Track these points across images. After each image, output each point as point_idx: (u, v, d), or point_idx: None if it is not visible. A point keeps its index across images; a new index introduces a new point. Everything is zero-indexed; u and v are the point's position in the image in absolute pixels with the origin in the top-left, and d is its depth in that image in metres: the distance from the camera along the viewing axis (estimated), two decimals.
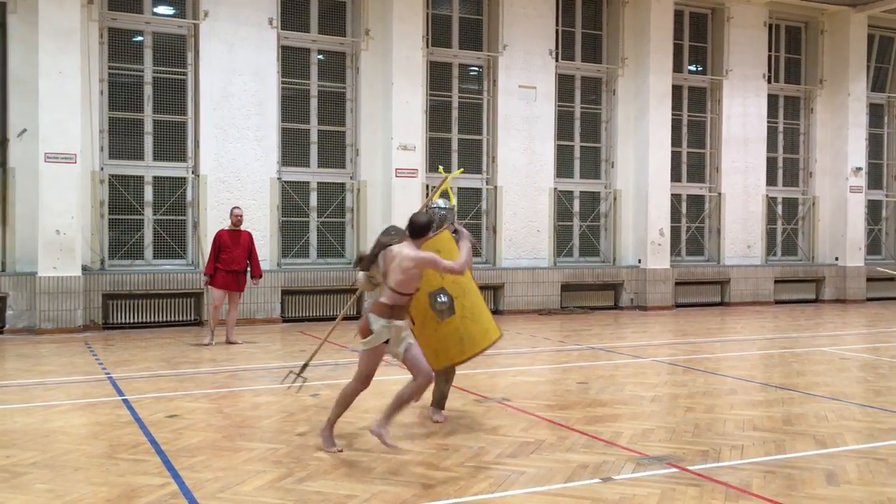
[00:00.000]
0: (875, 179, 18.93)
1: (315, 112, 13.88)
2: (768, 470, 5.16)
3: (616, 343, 11.29)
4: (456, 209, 6.78)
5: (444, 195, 6.73)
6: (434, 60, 14.55)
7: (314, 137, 13.89)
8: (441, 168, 8.30)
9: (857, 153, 17.93)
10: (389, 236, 5.60)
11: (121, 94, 12.67)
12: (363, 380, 5.46)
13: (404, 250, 5.33)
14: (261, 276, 11.09)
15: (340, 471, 5.07)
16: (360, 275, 5.86)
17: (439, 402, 6.44)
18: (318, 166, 13.90)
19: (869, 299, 17.95)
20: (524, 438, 5.90)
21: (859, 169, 17.89)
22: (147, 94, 12.77)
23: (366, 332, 5.31)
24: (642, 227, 15.76)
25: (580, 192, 15.96)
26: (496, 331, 6.42)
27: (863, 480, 4.97)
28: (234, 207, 11.06)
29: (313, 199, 13.83)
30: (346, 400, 5.51)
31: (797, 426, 6.37)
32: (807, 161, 18.23)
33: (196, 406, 6.99)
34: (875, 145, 18.88)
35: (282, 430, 6.12)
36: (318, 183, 13.88)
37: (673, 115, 16.11)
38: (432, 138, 14.55)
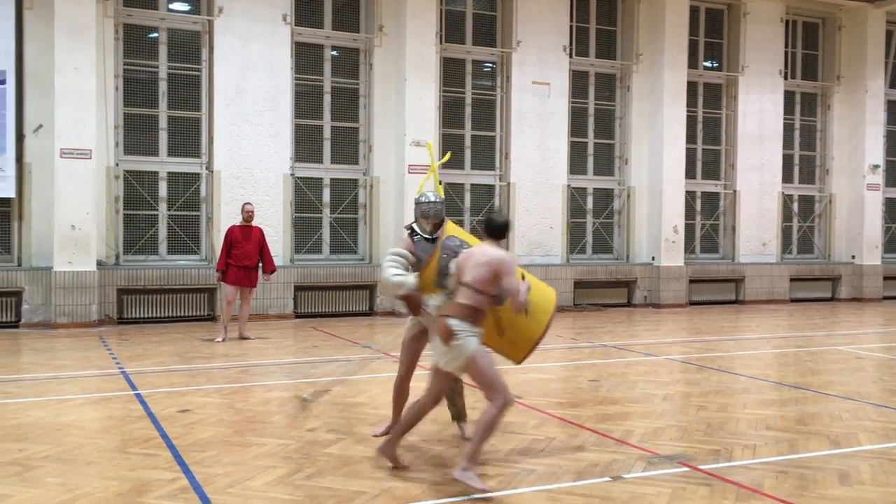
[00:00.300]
0: (893, 177, 18.72)
1: (328, 108, 13.89)
2: (780, 470, 5.11)
3: (629, 341, 11.24)
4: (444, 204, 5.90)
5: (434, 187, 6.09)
6: (447, 57, 14.53)
7: (327, 133, 13.90)
8: (430, 143, 6.96)
9: (875, 150, 17.76)
10: (457, 244, 5.29)
11: (136, 90, 12.72)
12: (502, 388, 4.75)
13: (486, 248, 4.99)
14: (273, 271, 11.10)
15: (350, 467, 5.07)
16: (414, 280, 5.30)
17: (461, 416, 5.85)
18: (332, 162, 13.92)
19: (886, 298, 17.79)
20: (534, 436, 5.88)
21: (877, 166, 17.72)
22: (162, 91, 12.82)
23: (448, 334, 4.79)
24: (656, 225, 15.68)
25: (594, 188, 15.89)
26: (552, 290, 5.64)
27: (876, 481, 4.92)
28: (246, 203, 11.09)
29: (326, 196, 13.85)
30: (493, 426, 4.78)
31: (811, 426, 6.32)
32: (823, 158, 18.08)
33: (208, 401, 7.02)
34: (893, 142, 18.68)
35: (292, 426, 6.13)
36: (331, 179, 13.89)
37: (688, 111, 16.00)
38: (445, 135, 14.53)
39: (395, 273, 5.34)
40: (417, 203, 5.71)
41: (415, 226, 5.68)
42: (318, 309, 13.41)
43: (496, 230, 5.08)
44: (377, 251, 13.92)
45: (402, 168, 13.59)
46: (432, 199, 5.68)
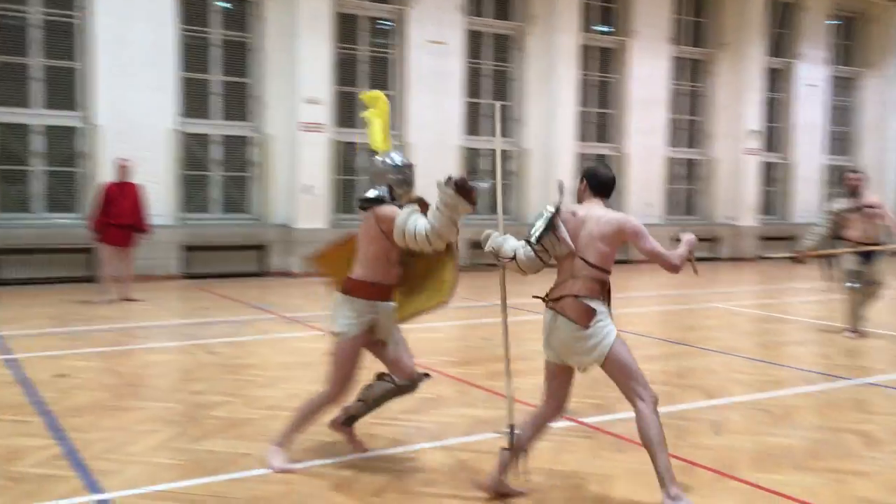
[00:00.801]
0: (771, 142, 19.64)
1: (218, 62, 13.38)
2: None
3: (521, 300, 11.37)
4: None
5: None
6: (342, 12, 14.20)
7: (217, 88, 13.41)
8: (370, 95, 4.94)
9: (754, 116, 18.55)
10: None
11: (5, 36, 11.89)
12: (644, 381, 4.01)
13: (596, 211, 3.95)
14: (146, 232, 10.61)
15: (237, 430, 4.97)
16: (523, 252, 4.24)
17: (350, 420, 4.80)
18: (222, 118, 13.46)
19: (762, 258, 18.71)
20: (426, 395, 5.88)
21: (755, 131, 18.53)
22: (34, 38, 12.03)
23: (589, 315, 3.92)
24: (549, 186, 15.93)
25: (488, 150, 15.99)
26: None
27: (748, 430, 5.20)
28: (120, 158, 10.58)
29: (216, 153, 13.40)
30: (655, 427, 3.98)
31: (688, 379, 6.61)
32: (707, 123, 18.76)
33: (87, 365, 6.73)
34: (772, 109, 19.57)
35: (177, 389, 5.97)
36: (220, 136, 13.44)
37: (582, 74, 16.24)
38: (340, 92, 14.26)
39: (429, 218, 4.17)
40: (388, 169, 4.37)
41: (390, 194, 4.40)
42: (210, 269, 13.04)
43: (606, 186, 4.01)
44: (269, 210, 13.63)
45: (295, 126, 13.28)
46: (399, 161, 4.43)
